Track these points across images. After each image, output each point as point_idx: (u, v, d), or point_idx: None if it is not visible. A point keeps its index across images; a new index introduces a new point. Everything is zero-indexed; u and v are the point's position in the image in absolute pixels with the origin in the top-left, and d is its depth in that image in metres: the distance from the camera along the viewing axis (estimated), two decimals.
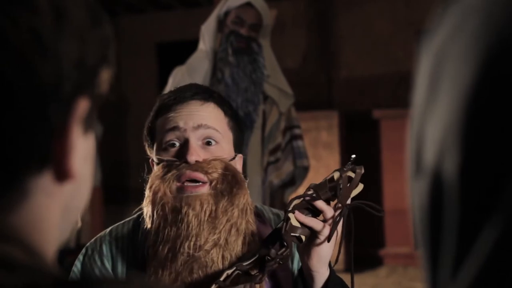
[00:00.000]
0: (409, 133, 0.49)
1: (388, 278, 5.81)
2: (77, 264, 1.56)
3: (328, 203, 1.50)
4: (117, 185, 8.12)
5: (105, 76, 0.64)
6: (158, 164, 1.53)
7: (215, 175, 1.49)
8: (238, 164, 1.56)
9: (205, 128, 1.52)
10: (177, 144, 1.52)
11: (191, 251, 1.44)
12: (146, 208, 1.51)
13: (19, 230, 0.58)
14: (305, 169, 3.69)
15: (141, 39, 8.43)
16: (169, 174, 1.49)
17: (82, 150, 0.62)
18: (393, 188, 5.99)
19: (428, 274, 0.47)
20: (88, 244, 1.59)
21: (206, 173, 1.48)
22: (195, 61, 3.51)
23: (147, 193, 1.51)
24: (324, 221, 1.48)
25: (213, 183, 1.48)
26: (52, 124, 0.58)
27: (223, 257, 1.45)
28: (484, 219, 0.41)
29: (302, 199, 1.49)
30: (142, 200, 1.54)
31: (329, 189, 1.49)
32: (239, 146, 1.59)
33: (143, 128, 1.62)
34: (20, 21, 0.57)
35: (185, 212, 1.45)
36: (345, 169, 1.51)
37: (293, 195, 4.02)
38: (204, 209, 1.45)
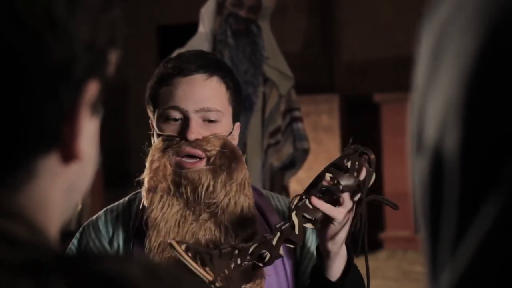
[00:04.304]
0: (411, 111, 0.49)
1: (387, 261, 5.84)
2: (74, 242, 1.61)
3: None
4: (118, 169, 8.13)
5: (113, 59, 0.64)
6: (158, 136, 1.57)
7: (213, 152, 1.53)
8: (235, 132, 1.61)
9: (206, 111, 1.55)
10: (178, 118, 1.55)
11: (190, 221, 1.51)
12: (146, 179, 1.56)
13: (23, 209, 0.58)
14: (305, 152, 3.69)
15: (143, 21, 8.40)
16: (169, 149, 1.54)
17: (89, 132, 0.62)
18: (394, 172, 5.99)
19: (429, 253, 0.47)
20: (85, 223, 1.64)
21: (204, 150, 1.53)
22: (194, 44, 3.51)
23: (148, 164, 1.55)
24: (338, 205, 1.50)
25: (211, 159, 1.53)
26: (62, 107, 0.58)
27: (219, 228, 1.51)
28: (485, 195, 0.41)
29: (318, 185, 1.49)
30: (143, 184, 1.57)
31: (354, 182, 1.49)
32: (237, 115, 1.63)
33: (144, 112, 1.64)
34: (35, 0, 0.56)
35: (184, 186, 1.51)
36: (363, 157, 1.50)
37: (293, 177, 4.02)
38: (202, 183, 1.51)
